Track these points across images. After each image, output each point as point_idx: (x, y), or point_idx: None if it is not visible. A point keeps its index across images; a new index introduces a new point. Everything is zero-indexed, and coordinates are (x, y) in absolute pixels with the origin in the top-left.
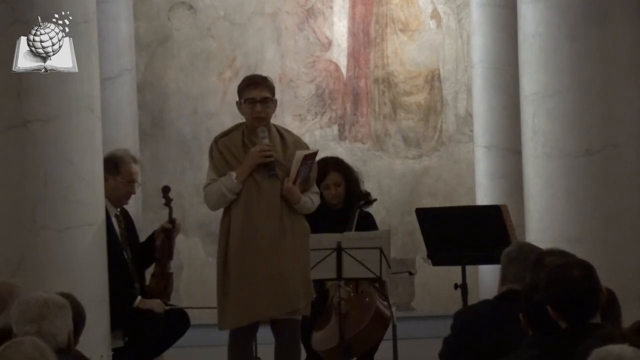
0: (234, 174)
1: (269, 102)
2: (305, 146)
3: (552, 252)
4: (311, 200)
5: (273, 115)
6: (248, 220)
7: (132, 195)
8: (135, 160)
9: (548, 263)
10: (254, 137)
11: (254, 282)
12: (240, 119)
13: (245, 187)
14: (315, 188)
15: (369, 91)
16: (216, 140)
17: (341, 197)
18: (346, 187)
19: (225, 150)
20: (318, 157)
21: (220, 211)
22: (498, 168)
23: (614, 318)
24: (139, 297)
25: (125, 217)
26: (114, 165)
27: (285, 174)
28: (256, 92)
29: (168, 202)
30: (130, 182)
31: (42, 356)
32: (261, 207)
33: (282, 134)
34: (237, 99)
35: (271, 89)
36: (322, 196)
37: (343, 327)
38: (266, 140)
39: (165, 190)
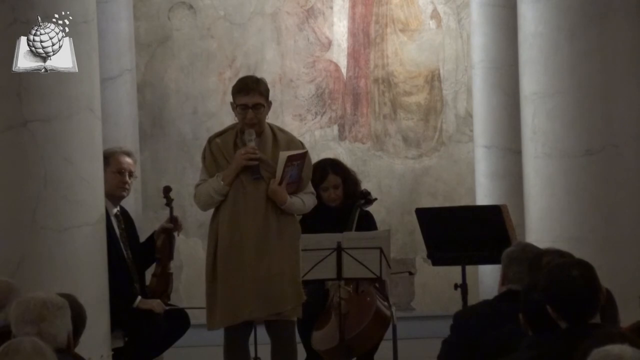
0: (221, 176)
1: (261, 108)
2: (299, 146)
3: (548, 252)
4: (302, 200)
5: (272, 114)
6: (234, 222)
7: (131, 193)
8: (127, 153)
9: (545, 264)
10: None
11: (239, 283)
12: None
13: (232, 190)
14: (309, 188)
15: (369, 91)
16: (209, 140)
17: (340, 199)
18: (344, 188)
19: (217, 151)
20: (317, 158)
21: None
22: (498, 168)
23: (612, 318)
24: (139, 297)
25: (125, 216)
26: (105, 158)
27: (272, 175)
28: (247, 98)
29: (169, 202)
30: (120, 171)
31: (42, 356)
32: (247, 209)
33: (276, 135)
34: None
35: (264, 93)
36: (321, 197)
37: (343, 327)
38: (252, 144)
39: (167, 190)
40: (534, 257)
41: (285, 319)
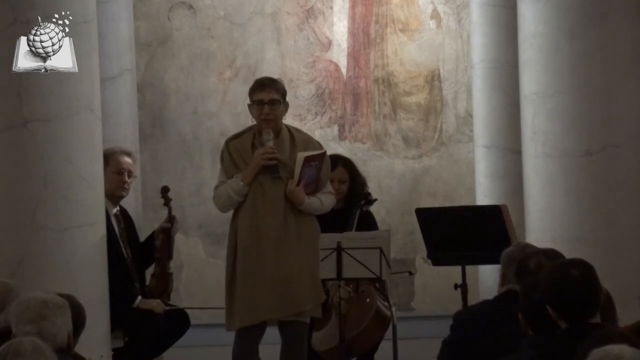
0: (240, 176)
1: (277, 104)
2: (316, 145)
3: (532, 255)
4: (320, 200)
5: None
6: (254, 223)
7: (131, 193)
8: (126, 153)
9: (535, 266)
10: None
11: (259, 284)
12: (243, 118)
13: (251, 190)
14: (328, 188)
15: (369, 91)
16: (227, 142)
17: (342, 195)
18: (349, 187)
19: (235, 152)
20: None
21: (221, 213)
22: (498, 168)
23: (610, 318)
24: (139, 297)
25: (124, 216)
26: (105, 158)
27: (291, 175)
28: (264, 94)
29: (167, 202)
30: (120, 171)
31: (42, 356)
32: (266, 210)
33: (293, 135)
34: (237, 98)
35: (280, 91)
36: None
37: (343, 327)
38: (270, 143)
39: (165, 190)
40: (519, 262)
41: (300, 320)
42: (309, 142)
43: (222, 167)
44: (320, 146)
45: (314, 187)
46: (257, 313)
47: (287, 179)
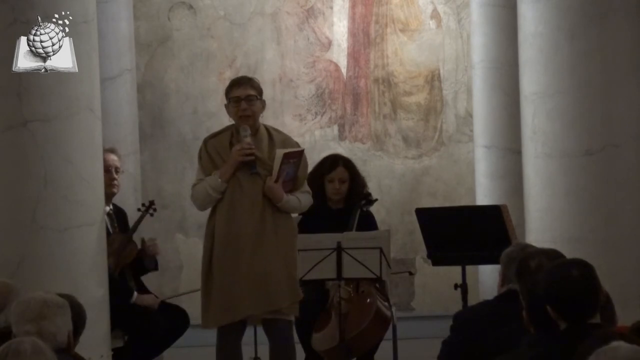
0: (218, 173)
1: (254, 99)
2: (295, 145)
3: (533, 256)
4: (298, 199)
5: (272, 114)
6: (231, 219)
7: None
8: (110, 150)
9: (536, 266)
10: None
11: (235, 280)
12: None
13: (229, 188)
14: (305, 188)
15: (369, 91)
16: (205, 141)
17: (343, 195)
18: (350, 187)
19: (213, 151)
20: (318, 158)
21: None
22: (498, 168)
23: (609, 318)
24: (136, 293)
25: (117, 215)
26: None
27: (268, 172)
28: (240, 90)
29: (148, 210)
30: (107, 168)
31: (42, 356)
32: (244, 206)
33: (271, 134)
34: None
35: (256, 88)
36: (324, 192)
37: (343, 327)
38: (248, 139)
39: (151, 203)
40: (520, 262)
41: (282, 318)
42: (288, 141)
43: (199, 165)
44: (298, 146)
45: (291, 186)
46: (234, 312)
47: (265, 176)
